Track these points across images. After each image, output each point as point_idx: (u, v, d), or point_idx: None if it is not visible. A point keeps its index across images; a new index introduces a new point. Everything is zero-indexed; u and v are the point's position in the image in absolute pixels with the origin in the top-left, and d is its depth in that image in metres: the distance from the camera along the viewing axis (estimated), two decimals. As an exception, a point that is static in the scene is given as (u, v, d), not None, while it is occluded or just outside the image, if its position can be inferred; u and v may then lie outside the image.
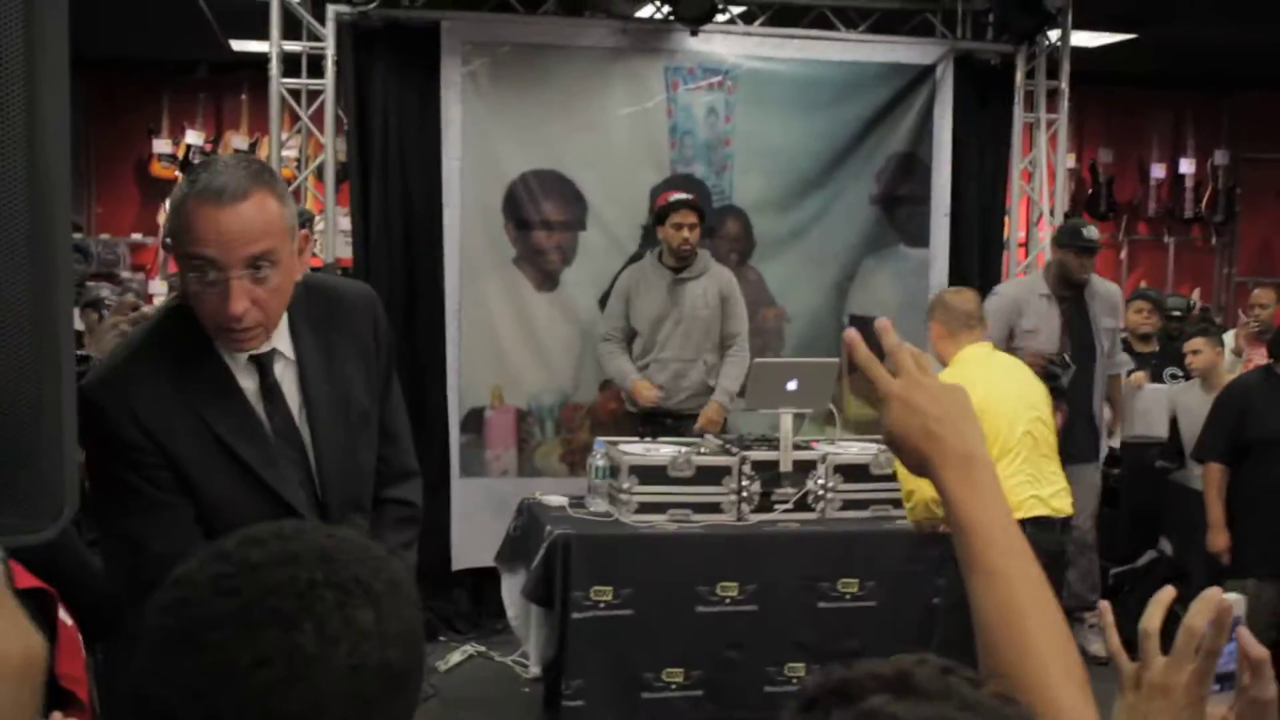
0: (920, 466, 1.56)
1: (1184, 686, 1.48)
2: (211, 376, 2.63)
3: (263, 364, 2.67)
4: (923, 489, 5.19)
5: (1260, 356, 7.20)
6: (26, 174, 1.84)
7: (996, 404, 5.31)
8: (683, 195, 7.22)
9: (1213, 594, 1.53)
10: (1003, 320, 7.12)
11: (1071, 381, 7.10)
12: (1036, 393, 5.60)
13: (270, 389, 2.68)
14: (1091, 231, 7.39)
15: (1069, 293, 7.29)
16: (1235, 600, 1.54)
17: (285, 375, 2.71)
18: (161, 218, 12.14)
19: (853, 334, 1.72)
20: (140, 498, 2.55)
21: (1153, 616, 1.53)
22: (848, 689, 1.09)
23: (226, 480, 2.60)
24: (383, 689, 1.24)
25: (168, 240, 2.71)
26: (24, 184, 1.84)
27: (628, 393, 7.28)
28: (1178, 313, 9.56)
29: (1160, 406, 7.82)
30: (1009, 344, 6.99)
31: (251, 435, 2.64)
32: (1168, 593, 1.59)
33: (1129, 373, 8.03)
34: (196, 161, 11.88)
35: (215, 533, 2.47)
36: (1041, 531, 5.23)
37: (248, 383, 2.66)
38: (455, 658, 7.11)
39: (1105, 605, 1.75)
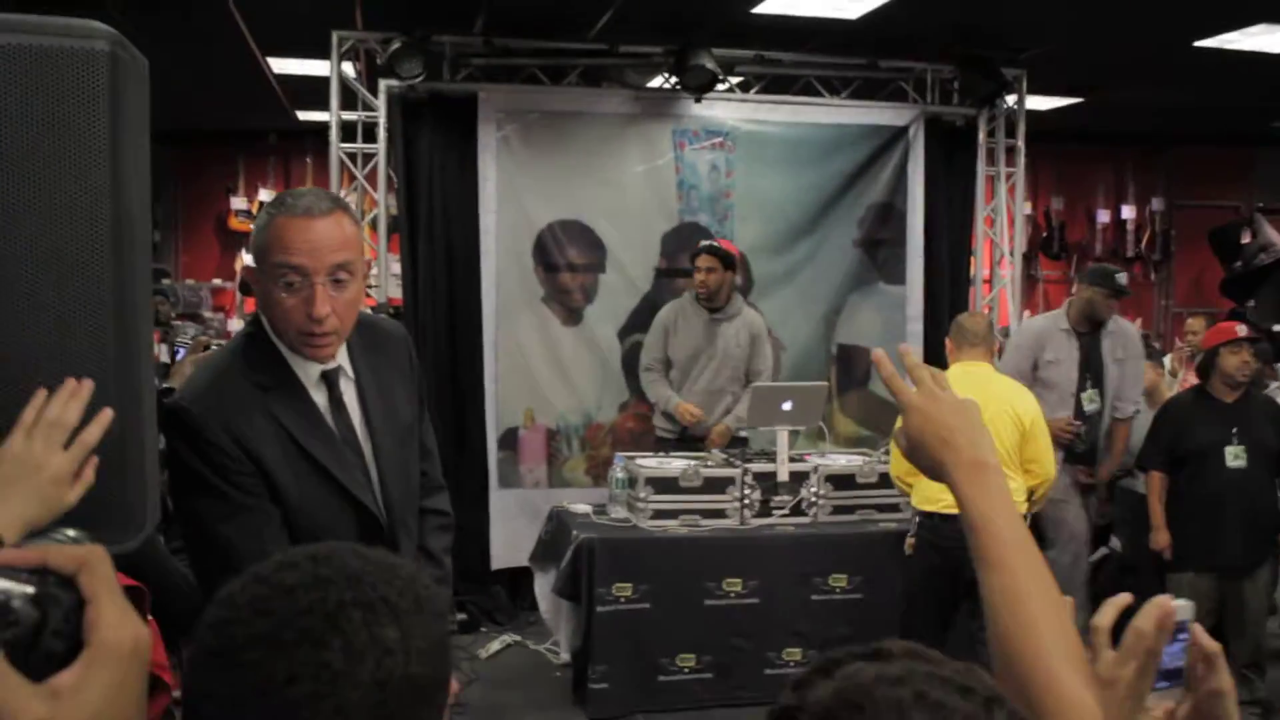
0: (934, 470, 1.57)
1: (1127, 681, 1.45)
2: (289, 390, 2.58)
3: (330, 379, 2.63)
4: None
5: (1193, 377, 7.13)
6: (111, 225, 1.83)
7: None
8: (707, 241, 7.13)
9: (1162, 600, 1.49)
10: (1027, 352, 6.91)
11: (1083, 406, 6.84)
12: (1001, 407, 5.50)
13: (337, 402, 2.64)
14: (1123, 278, 7.03)
15: (1087, 329, 6.92)
16: (1183, 605, 1.51)
17: (347, 391, 2.67)
18: (239, 265, 12.16)
19: (880, 353, 1.76)
20: (231, 503, 2.49)
21: (1105, 615, 1.50)
22: (829, 665, 1.10)
23: (307, 484, 2.55)
24: (408, 701, 1.18)
25: (249, 265, 2.63)
26: (109, 234, 1.83)
27: (670, 414, 7.12)
28: None
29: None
30: (1033, 374, 6.78)
31: (326, 442, 2.60)
32: (1123, 598, 1.55)
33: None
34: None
35: (298, 535, 2.49)
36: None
37: (318, 397, 2.62)
38: (495, 646, 7.06)
39: (1070, 600, 1.70)
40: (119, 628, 1.19)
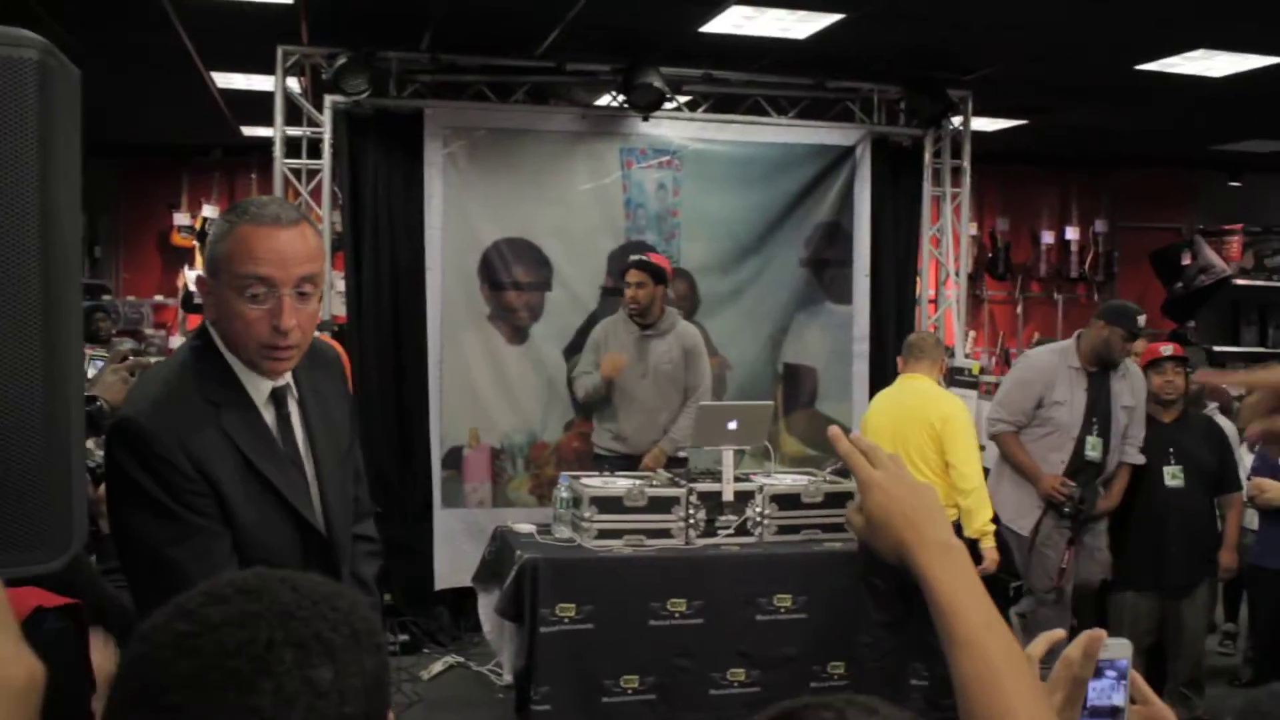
0: (896, 550, 1.52)
1: (1055, 709, 1.47)
2: (240, 407, 2.51)
3: (279, 397, 2.58)
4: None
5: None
6: (39, 236, 1.80)
7: (874, 418, 6.33)
8: (636, 256, 7.11)
9: (1094, 633, 1.53)
10: (1033, 391, 6.39)
11: (1084, 452, 6.35)
12: (915, 413, 6.08)
13: (285, 420, 2.59)
14: (1143, 319, 6.46)
15: (1097, 368, 6.40)
16: (1119, 644, 1.55)
17: (293, 410, 2.62)
18: (181, 281, 12.04)
19: (836, 430, 1.71)
20: (181, 525, 2.39)
21: (1037, 646, 1.53)
22: (784, 718, 1.06)
23: (258, 506, 2.48)
24: None
25: (202, 276, 2.56)
26: (36, 245, 1.79)
27: (597, 387, 7.08)
28: None
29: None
30: (1035, 412, 6.37)
31: (277, 463, 2.53)
32: (1057, 633, 1.60)
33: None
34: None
35: (246, 559, 2.41)
36: None
37: (266, 415, 2.56)
38: (437, 667, 7.01)
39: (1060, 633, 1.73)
40: (11, 663, 1.14)
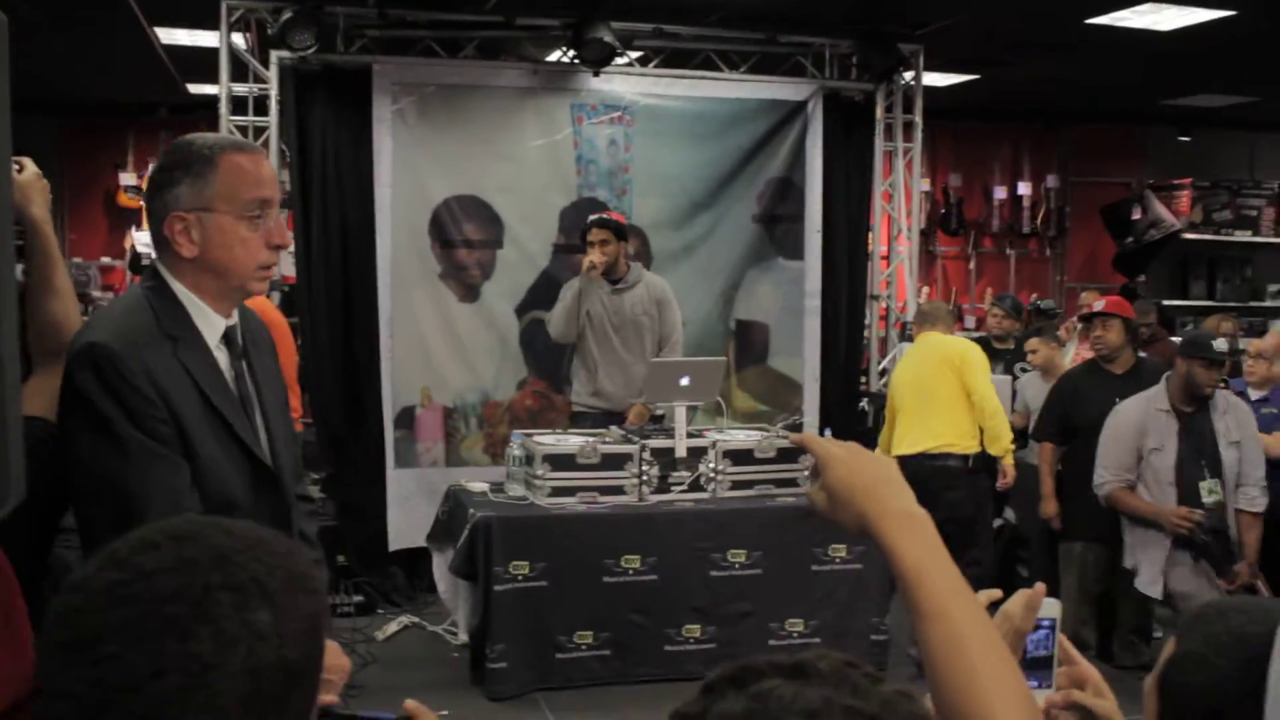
0: (858, 521, 1.50)
1: None
2: (196, 345, 2.51)
3: (230, 337, 2.59)
4: None
5: (1087, 351, 7.25)
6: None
7: (900, 373, 6.83)
8: (596, 215, 7.04)
9: (1037, 588, 1.57)
10: (1128, 444, 6.07)
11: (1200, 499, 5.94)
12: (938, 355, 6.61)
13: (237, 360, 2.59)
14: (1221, 344, 6.01)
15: (1191, 407, 6.00)
16: (1050, 604, 1.58)
17: (241, 353, 2.63)
18: (128, 243, 11.89)
19: (796, 437, 1.73)
20: (145, 453, 2.36)
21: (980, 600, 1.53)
22: (745, 675, 1.06)
23: (216, 446, 2.46)
24: (281, 686, 1.13)
25: (181, 213, 2.53)
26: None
27: (568, 310, 6.92)
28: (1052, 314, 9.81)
29: (1004, 396, 7.85)
30: (1138, 466, 6.06)
31: (230, 399, 2.53)
32: (992, 593, 1.60)
33: None
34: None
35: (203, 496, 2.40)
36: (926, 460, 6.41)
37: (220, 356, 2.56)
38: (392, 628, 7.00)
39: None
40: None
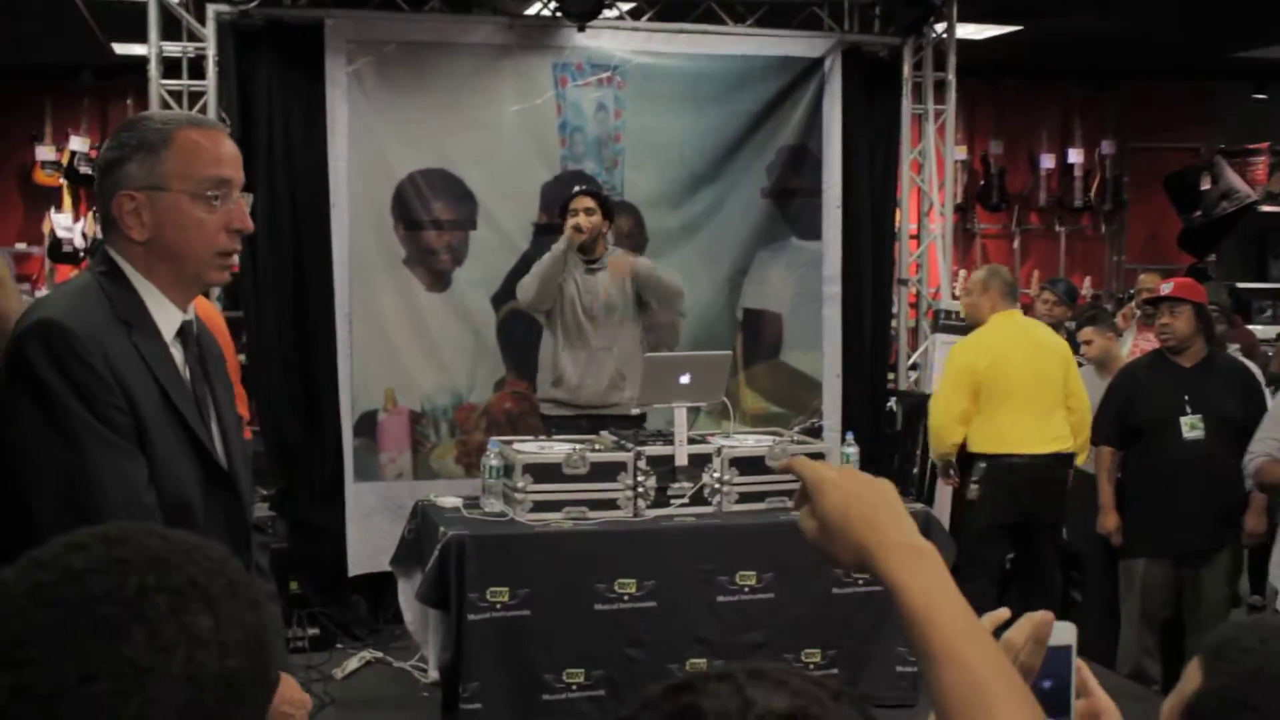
0: (855, 554, 1.50)
1: None
2: (151, 336, 2.60)
3: (187, 332, 2.67)
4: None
5: (1149, 341, 7.27)
6: None
7: (1012, 354, 6.97)
8: (577, 186, 7.14)
9: (1040, 615, 1.57)
10: None
11: None
12: (1049, 349, 7.07)
13: (194, 357, 2.68)
14: None
15: None
16: (1064, 627, 1.58)
17: (194, 350, 2.72)
18: (47, 227, 11.91)
19: (783, 462, 1.73)
20: (99, 440, 2.44)
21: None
22: (681, 687, 1.10)
23: (171, 440, 2.55)
24: (223, 700, 1.16)
25: (130, 193, 2.58)
26: None
27: (556, 262, 6.93)
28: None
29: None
30: None
31: (186, 397, 2.62)
32: (1001, 613, 1.61)
33: None
34: (82, 169, 11.70)
35: (162, 503, 2.47)
36: (1033, 461, 6.86)
37: (175, 351, 2.64)
38: (353, 664, 7.02)
39: None
40: None
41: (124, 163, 2.59)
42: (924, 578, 1.44)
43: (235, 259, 2.72)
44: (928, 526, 6.18)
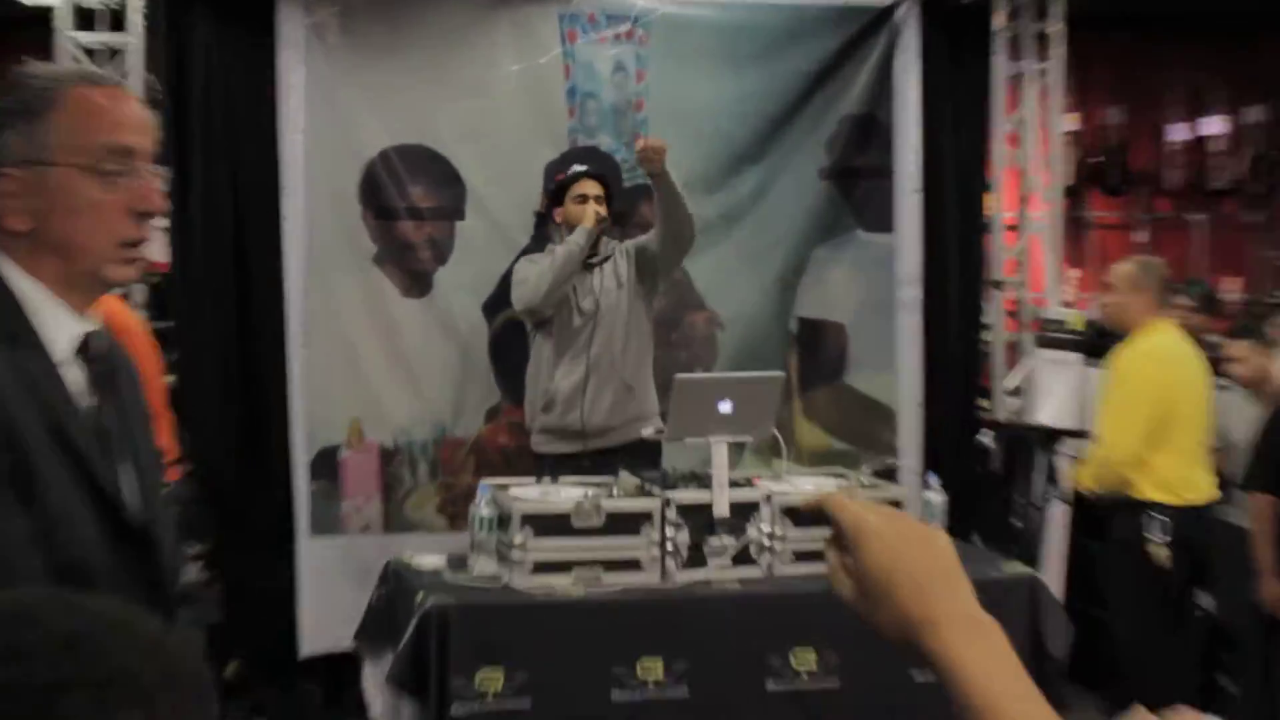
0: (899, 627, 1.51)
1: None
2: (38, 354, 2.52)
3: (87, 349, 2.59)
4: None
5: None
6: None
7: (1185, 374, 7.00)
8: (579, 166, 7.14)
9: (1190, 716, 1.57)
10: None
11: None
12: (1204, 371, 7.09)
13: (102, 379, 2.60)
14: None
15: None
16: None
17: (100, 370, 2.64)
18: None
19: (809, 503, 1.70)
20: None
21: None
22: None
23: (63, 485, 2.45)
24: None
25: (7, 171, 2.56)
26: None
27: (577, 251, 6.89)
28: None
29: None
30: None
31: (85, 429, 2.53)
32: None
33: None
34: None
35: (49, 559, 2.39)
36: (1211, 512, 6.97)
37: (71, 372, 2.56)
38: (306, 768, 7.03)
39: None
40: None
41: (23, 126, 2.54)
42: (986, 662, 1.44)
43: (144, 249, 2.66)
44: (1036, 599, 6.15)
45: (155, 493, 2.68)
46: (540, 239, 7.71)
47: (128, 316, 6.51)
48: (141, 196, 2.57)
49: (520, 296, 7.09)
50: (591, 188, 6.97)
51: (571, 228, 6.94)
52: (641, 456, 6.79)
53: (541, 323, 7.06)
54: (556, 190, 7.10)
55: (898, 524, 1.54)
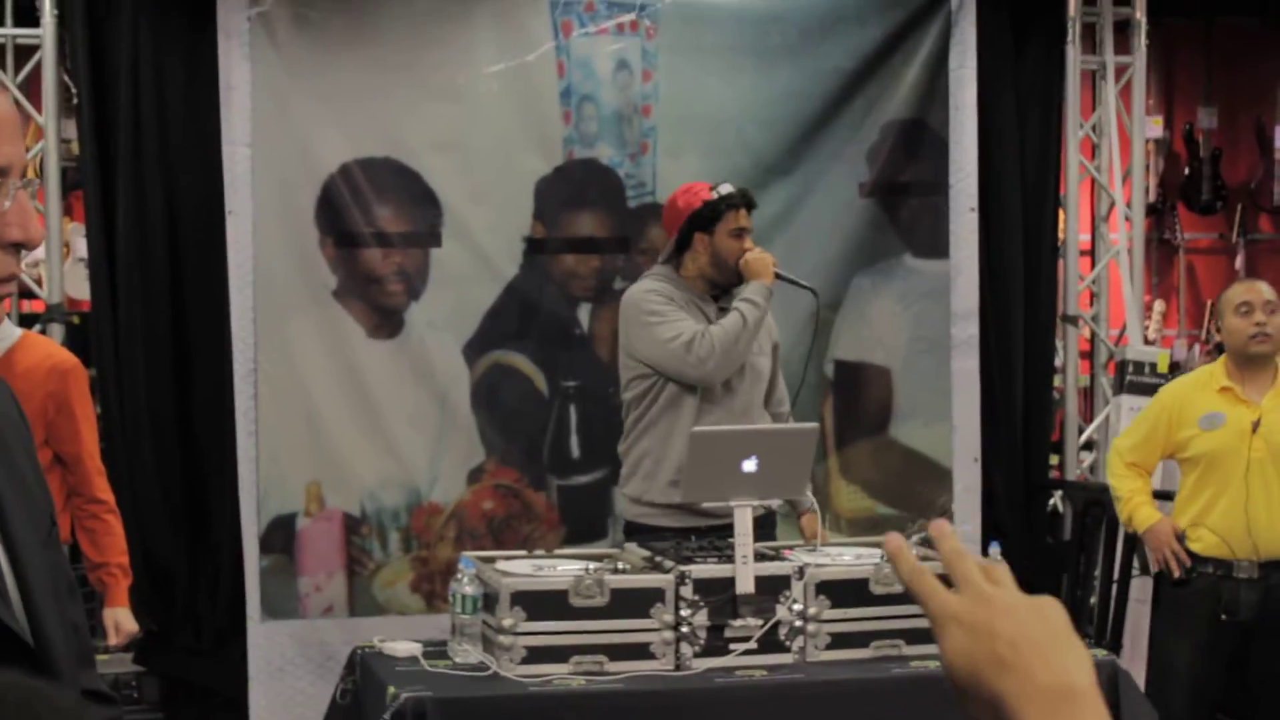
0: (992, 710, 1.51)
1: None
2: None
3: None
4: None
5: None
6: None
7: None
8: (731, 188, 6.84)
9: None
10: None
11: None
12: None
13: None
14: None
15: None
16: None
17: None
18: None
19: (896, 541, 1.68)
20: None
21: None
22: None
23: None
24: None
25: None
26: None
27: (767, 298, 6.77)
28: None
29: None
30: None
31: None
32: None
33: None
34: None
35: None
36: None
37: None
38: None
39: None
40: None
41: None
42: None
43: (13, 286, 2.48)
44: (1115, 686, 6.18)
45: (45, 596, 2.52)
46: (531, 272, 7.77)
47: (63, 354, 6.33)
48: (10, 223, 2.39)
49: (698, 361, 6.64)
50: (745, 220, 6.81)
51: (720, 263, 6.79)
52: (763, 529, 6.60)
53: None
54: (704, 215, 6.80)
55: (982, 606, 1.55)
